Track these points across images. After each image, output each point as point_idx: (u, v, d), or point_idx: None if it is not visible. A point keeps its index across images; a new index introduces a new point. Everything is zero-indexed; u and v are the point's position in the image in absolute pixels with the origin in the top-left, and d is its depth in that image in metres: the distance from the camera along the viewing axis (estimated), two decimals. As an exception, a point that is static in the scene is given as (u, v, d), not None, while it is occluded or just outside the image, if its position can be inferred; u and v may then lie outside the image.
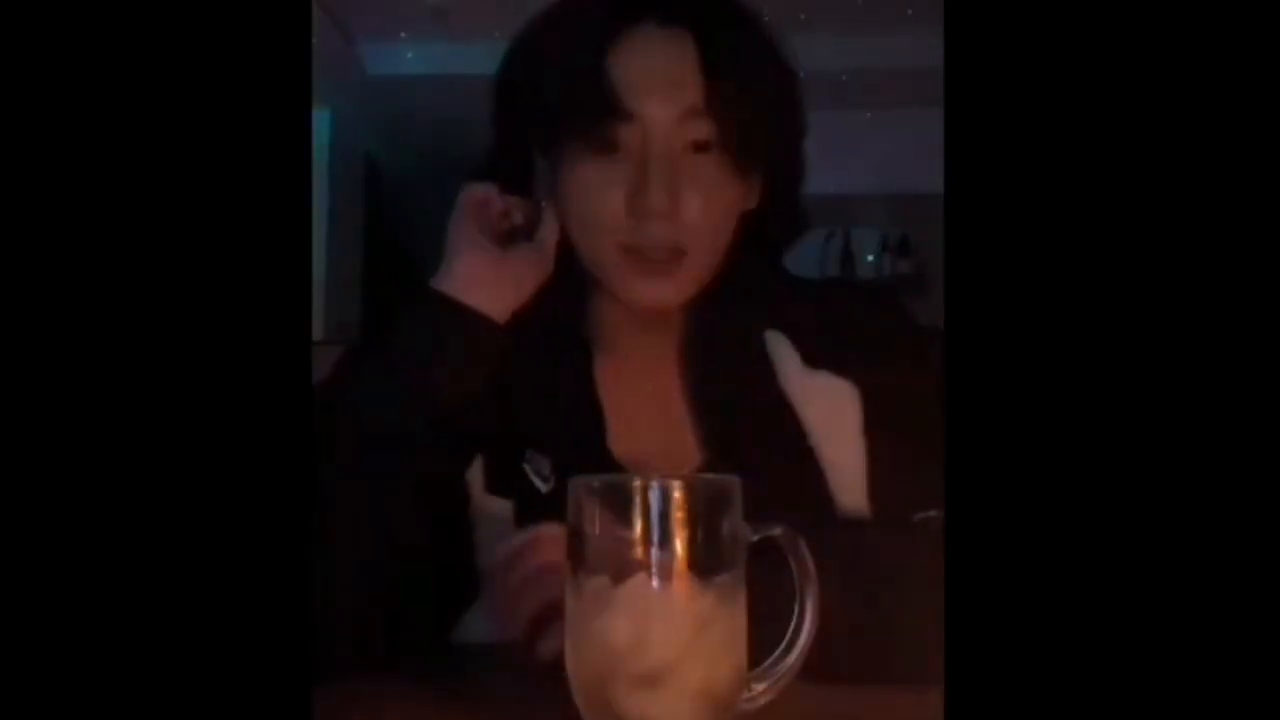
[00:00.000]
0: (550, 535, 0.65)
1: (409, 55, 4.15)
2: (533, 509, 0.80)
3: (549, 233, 0.82)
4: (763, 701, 0.56)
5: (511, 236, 0.82)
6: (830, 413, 0.83)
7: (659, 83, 0.79)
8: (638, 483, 0.54)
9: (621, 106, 0.78)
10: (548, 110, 0.81)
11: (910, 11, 3.71)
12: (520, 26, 0.86)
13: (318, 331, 3.98)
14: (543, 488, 0.80)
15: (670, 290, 0.81)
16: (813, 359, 0.85)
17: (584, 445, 0.83)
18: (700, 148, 0.79)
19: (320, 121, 4.35)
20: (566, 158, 0.81)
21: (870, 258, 4.76)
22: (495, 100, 0.87)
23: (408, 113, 4.33)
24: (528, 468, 0.81)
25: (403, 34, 4.07)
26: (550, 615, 0.63)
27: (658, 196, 0.77)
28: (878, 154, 4.24)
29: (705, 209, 0.80)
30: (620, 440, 0.84)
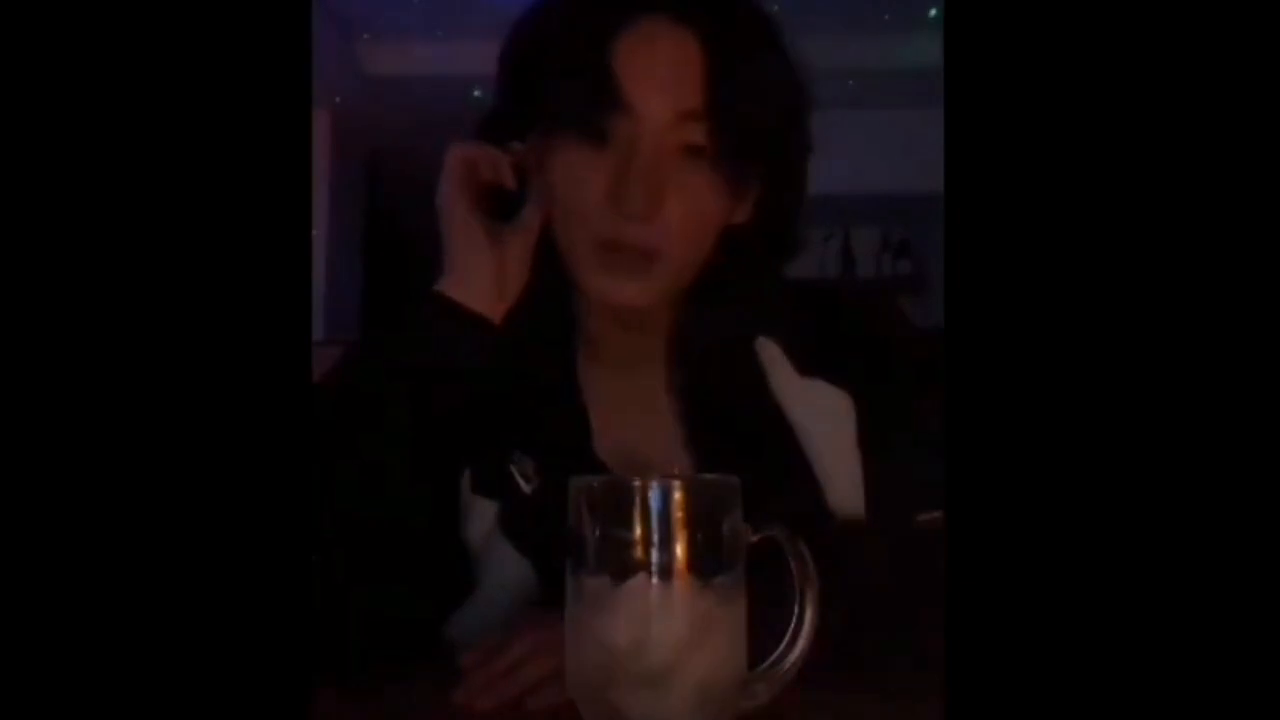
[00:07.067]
0: (533, 622, 0.65)
1: (409, 55, 4.15)
2: (517, 509, 0.80)
3: (533, 212, 0.80)
4: (763, 701, 0.56)
5: (501, 200, 0.80)
6: (824, 421, 0.82)
7: (660, 78, 0.77)
8: (638, 483, 0.54)
9: (618, 96, 0.76)
10: (546, 88, 0.79)
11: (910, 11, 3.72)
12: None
13: (318, 331, 3.99)
14: (526, 488, 0.80)
15: (636, 292, 0.79)
16: (805, 366, 0.84)
17: (568, 446, 0.82)
18: (693, 152, 0.77)
19: (320, 121, 4.35)
20: (559, 140, 0.79)
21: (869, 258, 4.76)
22: (499, 67, 0.84)
23: (408, 113, 4.33)
24: (513, 469, 0.81)
25: (402, 34, 4.07)
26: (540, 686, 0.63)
27: (637, 193, 0.75)
28: (878, 154, 4.23)
29: (686, 215, 0.77)
30: (603, 442, 0.83)
